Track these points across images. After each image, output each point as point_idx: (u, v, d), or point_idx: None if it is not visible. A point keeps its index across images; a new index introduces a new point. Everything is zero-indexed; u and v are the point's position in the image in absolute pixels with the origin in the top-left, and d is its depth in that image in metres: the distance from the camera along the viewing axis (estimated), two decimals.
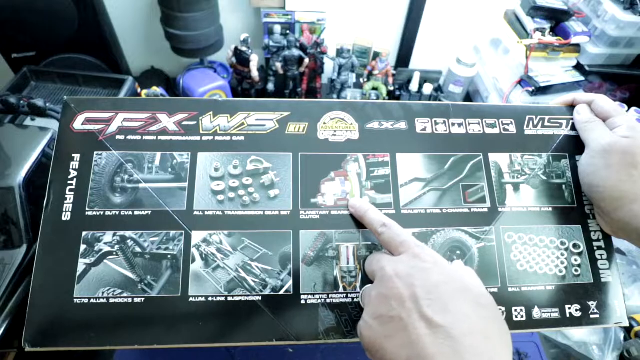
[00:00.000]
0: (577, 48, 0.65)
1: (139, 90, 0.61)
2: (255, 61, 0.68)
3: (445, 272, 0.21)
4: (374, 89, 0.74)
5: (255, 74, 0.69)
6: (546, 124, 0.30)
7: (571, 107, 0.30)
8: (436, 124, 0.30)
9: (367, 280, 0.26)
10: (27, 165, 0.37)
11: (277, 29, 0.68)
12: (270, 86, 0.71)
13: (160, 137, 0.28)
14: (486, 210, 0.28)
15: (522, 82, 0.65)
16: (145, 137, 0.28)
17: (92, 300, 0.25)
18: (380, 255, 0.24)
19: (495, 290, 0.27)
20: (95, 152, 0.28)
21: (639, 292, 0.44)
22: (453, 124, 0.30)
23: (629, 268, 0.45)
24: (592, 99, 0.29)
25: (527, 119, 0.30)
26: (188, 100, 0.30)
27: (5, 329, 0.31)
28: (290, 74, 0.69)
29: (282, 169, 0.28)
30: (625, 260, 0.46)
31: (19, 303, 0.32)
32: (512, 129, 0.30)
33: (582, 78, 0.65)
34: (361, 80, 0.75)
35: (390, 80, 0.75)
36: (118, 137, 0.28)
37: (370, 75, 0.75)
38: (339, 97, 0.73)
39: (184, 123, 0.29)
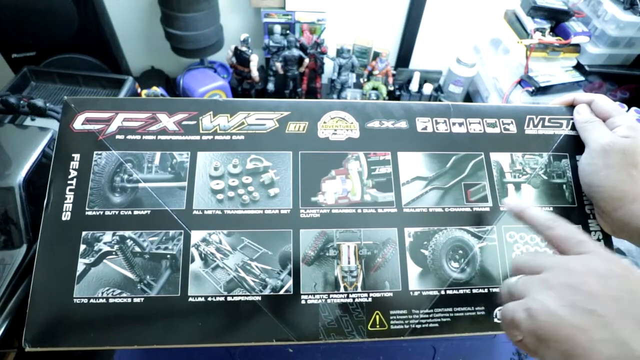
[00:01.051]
0: (577, 48, 0.65)
1: (139, 90, 0.61)
2: (255, 61, 0.68)
3: None
4: (374, 89, 0.74)
5: (255, 74, 0.69)
6: (546, 123, 0.30)
7: (571, 107, 0.30)
8: (437, 123, 0.30)
9: (369, 279, 0.26)
10: (27, 165, 0.36)
11: (277, 29, 0.68)
12: (270, 86, 0.71)
13: (159, 137, 0.28)
14: (488, 209, 0.28)
15: (522, 82, 0.65)
16: (145, 137, 0.28)
17: (91, 300, 0.25)
18: (547, 253, 0.22)
19: (497, 289, 0.27)
20: (95, 152, 0.28)
21: None
22: (454, 124, 0.30)
23: None
24: (592, 98, 0.29)
25: (527, 119, 0.30)
26: (188, 100, 0.30)
27: (5, 329, 0.31)
28: (290, 74, 0.69)
29: (282, 168, 0.28)
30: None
31: (19, 303, 0.32)
32: (513, 129, 0.30)
33: (582, 78, 0.65)
34: (361, 80, 0.75)
35: (390, 80, 0.75)
36: (118, 136, 0.28)
37: (370, 75, 0.75)
38: (339, 97, 0.72)
39: (184, 123, 0.29)
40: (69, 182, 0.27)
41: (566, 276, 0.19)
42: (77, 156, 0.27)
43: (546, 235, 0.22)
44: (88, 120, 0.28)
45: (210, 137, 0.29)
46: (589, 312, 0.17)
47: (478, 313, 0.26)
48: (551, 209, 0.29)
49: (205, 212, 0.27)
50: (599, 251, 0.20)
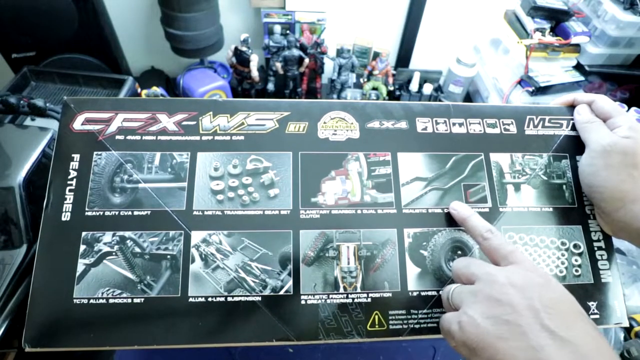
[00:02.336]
0: (577, 48, 0.65)
1: (139, 90, 0.61)
2: (255, 61, 0.67)
3: (559, 291, 0.21)
4: (374, 89, 0.74)
5: (255, 74, 0.69)
6: (547, 124, 0.30)
7: (571, 107, 0.30)
8: (437, 123, 0.30)
9: (368, 280, 0.26)
10: (27, 165, 0.36)
11: (277, 29, 0.68)
12: (270, 86, 0.71)
13: (159, 137, 0.28)
14: (487, 210, 0.28)
15: (522, 82, 0.65)
16: (145, 137, 0.28)
17: (91, 301, 0.25)
18: (480, 261, 0.24)
19: None
20: (95, 152, 0.28)
21: (639, 292, 0.43)
22: (454, 124, 0.30)
23: (629, 268, 0.45)
24: (593, 99, 0.29)
25: (527, 119, 0.30)
26: (188, 101, 0.30)
27: (5, 329, 0.31)
28: (290, 74, 0.69)
29: (282, 168, 0.28)
30: (626, 260, 0.46)
31: (19, 303, 0.32)
32: (513, 129, 0.30)
33: (582, 78, 0.64)
34: (361, 80, 0.75)
35: (390, 80, 0.75)
36: (118, 137, 0.28)
37: (370, 75, 0.75)
38: (339, 97, 0.72)
39: (184, 123, 0.29)
40: (68, 182, 0.27)
41: (490, 289, 0.21)
42: (77, 156, 0.27)
43: (481, 245, 0.24)
44: (88, 121, 0.28)
45: (210, 137, 0.28)
46: (508, 322, 0.20)
47: None
48: (551, 209, 0.29)
49: (206, 212, 0.27)
50: (523, 262, 0.22)
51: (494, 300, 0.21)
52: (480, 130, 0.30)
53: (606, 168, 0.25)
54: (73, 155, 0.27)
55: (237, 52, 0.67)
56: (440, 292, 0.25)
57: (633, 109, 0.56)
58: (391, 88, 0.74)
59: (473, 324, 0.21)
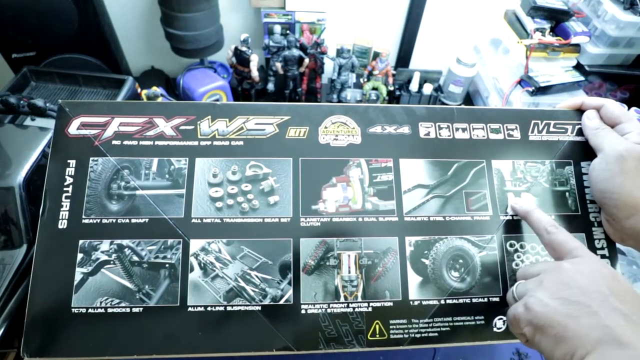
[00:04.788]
0: (577, 48, 0.64)
1: (139, 90, 0.59)
2: (255, 61, 0.66)
3: (628, 285, 0.21)
4: (374, 89, 0.72)
5: (255, 74, 0.67)
6: (551, 129, 0.29)
7: (578, 111, 0.29)
8: (440, 128, 0.29)
9: (369, 289, 0.25)
10: (27, 165, 0.36)
11: (277, 29, 0.66)
12: (270, 86, 0.69)
13: (157, 142, 0.27)
14: (488, 218, 0.27)
15: (522, 82, 0.63)
16: (142, 142, 0.27)
17: (89, 310, 0.24)
18: (542, 261, 0.24)
19: (497, 299, 0.26)
20: (91, 158, 0.26)
21: (639, 291, 0.43)
22: (457, 129, 0.29)
23: (629, 268, 0.44)
24: (602, 103, 0.27)
25: (532, 124, 0.29)
26: (185, 104, 0.29)
27: (5, 329, 0.30)
28: (290, 74, 0.68)
29: (282, 175, 0.27)
30: (626, 260, 0.45)
31: (19, 303, 0.32)
32: (517, 135, 0.29)
33: (582, 78, 0.63)
34: (361, 80, 0.74)
35: (390, 80, 0.73)
36: (114, 142, 0.27)
37: (370, 75, 0.73)
38: (339, 97, 0.71)
39: (182, 128, 0.27)
40: (64, 189, 0.26)
41: (558, 275, 0.21)
42: (72, 162, 0.26)
43: (545, 238, 0.24)
44: (83, 125, 0.27)
45: (209, 142, 0.27)
46: (578, 302, 0.20)
47: (477, 322, 0.26)
48: (553, 217, 0.27)
49: (204, 220, 0.26)
50: (590, 255, 0.22)
51: (561, 284, 0.20)
52: (484, 136, 0.29)
53: (621, 174, 0.24)
54: (69, 161, 0.26)
55: (237, 52, 0.66)
56: (507, 295, 0.24)
57: (633, 109, 0.55)
58: (391, 88, 0.73)
59: (540, 303, 0.20)
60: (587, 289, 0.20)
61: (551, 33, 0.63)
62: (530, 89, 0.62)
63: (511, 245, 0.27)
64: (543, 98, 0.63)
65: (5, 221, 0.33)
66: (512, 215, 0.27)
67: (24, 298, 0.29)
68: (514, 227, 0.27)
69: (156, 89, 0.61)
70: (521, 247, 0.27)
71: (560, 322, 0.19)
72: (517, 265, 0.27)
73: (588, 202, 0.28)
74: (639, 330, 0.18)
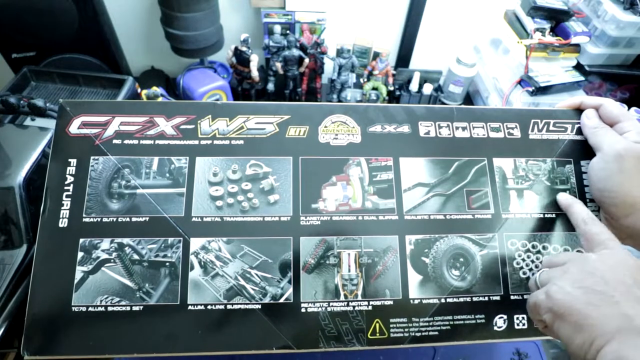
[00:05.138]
0: (577, 48, 0.64)
1: (139, 90, 0.60)
2: (255, 61, 0.66)
3: None
4: (374, 89, 0.73)
5: (255, 74, 0.67)
6: (551, 128, 0.29)
7: (577, 110, 0.29)
8: (440, 127, 0.29)
9: (369, 287, 0.25)
10: (27, 165, 0.36)
11: (277, 29, 0.67)
12: (270, 86, 0.70)
13: (157, 142, 0.27)
14: (490, 216, 0.27)
15: (522, 82, 0.63)
16: (143, 142, 0.27)
17: (90, 309, 0.24)
18: (569, 252, 0.25)
19: (498, 298, 0.26)
20: (92, 157, 0.27)
21: None
22: (457, 128, 0.29)
23: None
24: (601, 102, 0.27)
25: (531, 123, 0.29)
26: (186, 104, 0.29)
27: (5, 329, 0.30)
28: (290, 74, 0.68)
29: (282, 174, 0.27)
30: None
31: (19, 303, 0.32)
32: (517, 133, 0.29)
33: (582, 78, 0.63)
34: (361, 80, 0.74)
35: (390, 80, 0.74)
36: (115, 141, 0.27)
37: (370, 75, 0.73)
38: (339, 97, 0.71)
39: (182, 127, 0.28)
40: (65, 187, 0.26)
41: (582, 265, 0.21)
42: (73, 161, 0.26)
43: (582, 229, 0.24)
44: (84, 124, 0.27)
45: (209, 141, 0.27)
46: (600, 292, 0.20)
47: (478, 321, 0.26)
48: (554, 215, 0.28)
49: (205, 219, 0.26)
50: (618, 248, 0.22)
51: (585, 273, 0.20)
52: (484, 135, 0.29)
53: (620, 172, 0.24)
54: (70, 160, 0.26)
55: (237, 52, 0.66)
56: (529, 282, 0.25)
57: (633, 109, 0.55)
58: (391, 88, 0.73)
59: (562, 291, 0.20)
60: (611, 278, 0.20)
61: (551, 33, 0.63)
62: (530, 89, 0.62)
63: (512, 244, 0.27)
64: (543, 98, 0.63)
65: (5, 221, 0.34)
66: (514, 214, 0.27)
67: (24, 298, 0.30)
68: (515, 225, 0.27)
69: (156, 89, 0.61)
70: (522, 245, 0.27)
71: (581, 310, 0.19)
72: (518, 263, 0.27)
73: (588, 200, 0.28)
74: None
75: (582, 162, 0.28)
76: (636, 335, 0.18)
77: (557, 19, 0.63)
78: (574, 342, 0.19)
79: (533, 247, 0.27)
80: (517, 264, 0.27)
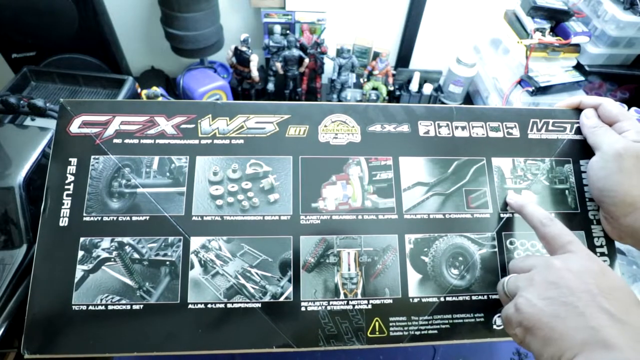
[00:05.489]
0: (577, 48, 0.64)
1: (139, 90, 0.60)
2: (255, 61, 0.66)
3: (616, 279, 0.21)
4: (374, 89, 0.73)
5: (255, 74, 0.67)
6: (550, 127, 0.29)
7: (576, 110, 0.29)
8: (439, 126, 0.29)
9: (369, 286, 0.26)
10: (27, 165, 0.36)
11: (277, 29, 0.67)
12: (270, 86, 0.70)
13: (158, 141, 0.27)
14: (488, 215, 0.27)
15: (522, 82, 0.64)
16: (143, 141, 0.27)
17: (90, 307, 0.24)
18: (535, 255, 0.24)
19: (497, 296, 0.26)
20: (93, 156, 0.27)
21: (639, 292, 0.43)
22: (456, 127, 0.29)
23: (629, 268, 0.45)
24: (599, 102, 0.28)
25: (531, 123, 0.29)
26: (186, 103, 0.29)
27: (5, 329, 0.30)
28: (290, 74, 0.68)
29: (282, 173, 0.27)
30: (626, 260, 0.45)
31: (19, 303, 0.32)
32: (516, 133, 0.29)
33: (582, 78, 0.63)
34: (361, 80, 0.74)
35: (390, 80, 0.74)
36: (115, 140, 0.27)
37: (370, 75, 0.73)
38: (339, 97, 0.71)
39: (182, 126, 0.28)
40: (66, 187, 0.26)
41: (547, 273, 0.21)
42: (74, 160, 0.27)
43: (540, 231, 0.24)
44: (85, 124, 0.27)
45: (209, 141, 0.28)
46: (565, 303, 0.19)
47: (477, 320, 0.26)
48: (553, 215, 0.28)
49: (205, 218, 0.26)
50: (581, 251, 0.22)
51: (550, 283, 0.20)
52: (483, 134, 0.29)
53: (619, 172, 0.24)
54: (70, 159, 0.27)
55: (237, 52, 0.66)
56: (497, 286, 0.24)
57: (633, 109, 0.55)
58: (391, 88, 0.73)
59: (529, 304, 0.20)
60: (576, 288, 0.20)
61: (551, 33, 0.63)
62: (530, 89, 0.62)
63: (511, 243, 0.27)
64: (543, 98, 0.63)
65: (5, 221, 0.34)
66: (512, 213, 0.28)
67: (24, 298, 0.30)
68: (514, 224, 0.27)
69: (156, 89, 0.61)
70: (521, 244, 0.27)
71: (548, 323, 0.19)
72: (511, 262, 0.27)
73: (587, 200, 0.28)
74: (625, 330, 0.18)
75: (581, 162, 0.28)
76: (601, 349, 0.18)
77: (557, 19, 0.64)
78: (544, 357, 0.19)
79: (532, 246, 0.27)
80: (510, 262, 0.27)
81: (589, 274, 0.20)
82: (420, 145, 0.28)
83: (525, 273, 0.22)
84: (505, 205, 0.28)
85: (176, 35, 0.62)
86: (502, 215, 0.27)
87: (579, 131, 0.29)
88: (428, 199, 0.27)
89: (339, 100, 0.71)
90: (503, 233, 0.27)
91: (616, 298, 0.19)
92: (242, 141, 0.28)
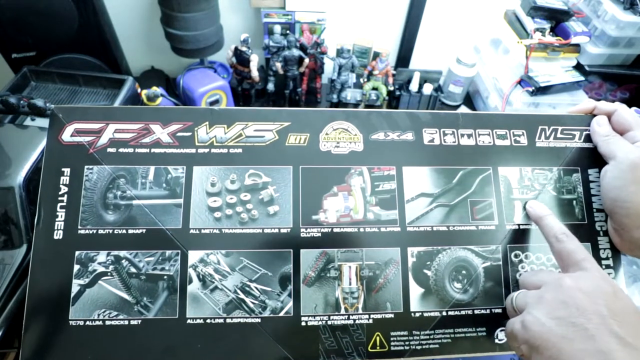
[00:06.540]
0: (577, 48, 0.61)
1: (139, 90, 0.58)
2: (255, 61, 0.64)
3: (628, 301, 0.20)
4: (374, 89, 0.70)
5: (255, 74, 0.65)
6: (558, 135, 0.27)
7: (585, 115, 0.27)
8: (444, 134, 0.27)
9: (370, 301, 0.24)
10: (27, 165, 0.35)
11: (277, 29, 0.64)
12: (270, 86, 0.67)
13: (153, 150, 0.25)
14: (494, 227, 0.26)
15: (522, 82, 0.61)
16: (138, 150, 0.25)
17: (87, 322, 0.23)
18: (548, 270, 0.23)
19: (499, 311, 0.25)
20: (86, 166, 0.25)
21: (639, 292, 0.41)
22: (462, 135, 0.27)
23: (629, 268, 0.43)
24: (615, 109, 0.26)
25: (539, 130, 0.27)
26: (182, 110, 0.27)
27: (5, 329, 0.29)
28: (290, 74, 0.66)
29: (281, 184, 0.25)
30: (626, 260, 0.43)
31: (19, 303, 0.31)
32: (524, 141, 0.27)
33: (582, 78, 0.61)
34: (361, 80, 0.71)
35: (390, 80, 0.71)
36: (109, 149, 0.25)
37: (370, 75, 0.71)
38: (339, 97, 0.69)
39: (179, 134, 0.26)
40: (59, 198, 0.24)
41: (558, 292, 0.20)
42: (67, 171, 0.25)
43: (555, 247, 0.22)
44: (77, 132, 0.25)
45: (207, 150, 0.26)
46: (574, 324, 0.18)
47: (479, 334, 0.24)
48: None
49: (203, 231, 0.24)
50: (594, 270, 0.20)
51: (560, 302, 0.19)
52: (490, 142, 0.27)
53: (634, 182, 0.23)
54: (63, 169, 0.25)
55: (237, 52, 0.64)
56: (505, 300, 0.23)
57: (633, 109, 0.53)
58: (391, 88, 0.70)
59: (537, 322, 0.19)
60: (586, 309, 0.18)
61: (551, 33, 0.61)
62: (530, 89, 0.60)
63: (516, 256, 0.25)
64: (543, 98, 0.61)
65: (5, 221, 0.32)
66: (518, 225, 0.26)
67: (24, 298, 0.28)
68: (519, 236, 0.26)
69: (156, 89, 0.59)
70: (526, 257, 0.25)
71: (556, 343, 0.18)
72: (521, 276, 0.25)
73: (595, 210, 0.26)
74: (634, 356, 0.17)
75: (589, 171, 0.27)
76: None
77: (557, 19, 0.61)
78: None
79: (537, 258, 0.25)
80: (521, 276, 0.25)
81: (600, 294, 0.19)
82: (424, 154, 0.26)
83: (535, 290, 0.21)
84: (512, 217, 0.26)
85: (176, 35, 0.60)
86: (508, 227, 0.26)
87: (587, 139, 0.27)
88: (432, 211, 0.26)
89: (339, 101, 0.69)
90: (508, 245, 0.25)
91: (627, 321, 0.18)
92: (240, 150, 0.26)
